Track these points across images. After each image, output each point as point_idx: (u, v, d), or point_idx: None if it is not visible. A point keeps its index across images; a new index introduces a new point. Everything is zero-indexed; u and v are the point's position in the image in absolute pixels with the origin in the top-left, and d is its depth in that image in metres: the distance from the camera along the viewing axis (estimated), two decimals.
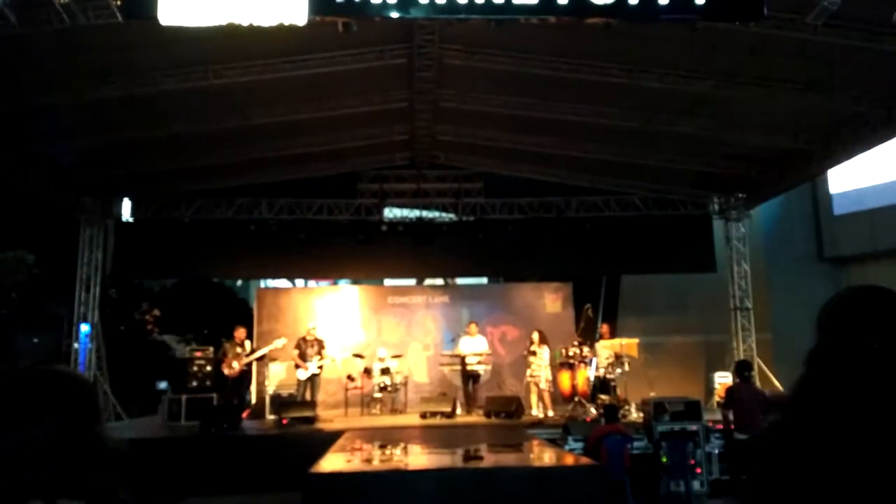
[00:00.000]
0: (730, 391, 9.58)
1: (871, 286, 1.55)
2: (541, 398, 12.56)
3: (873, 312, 1.47)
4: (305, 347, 12.89)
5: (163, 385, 13.26)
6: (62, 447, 1.33)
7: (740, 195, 14.95)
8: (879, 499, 1.28)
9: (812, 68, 9.58)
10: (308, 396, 12.72)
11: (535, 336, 12.87)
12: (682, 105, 11.14)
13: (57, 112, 10.36)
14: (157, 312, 20.51)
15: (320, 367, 12.88)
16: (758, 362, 14.07)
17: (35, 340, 15.18)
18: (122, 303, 18.72)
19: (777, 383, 13.55)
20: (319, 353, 12.90)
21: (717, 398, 13.18)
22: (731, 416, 9.27)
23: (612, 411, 9.84)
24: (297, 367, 12.91)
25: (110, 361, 14.15)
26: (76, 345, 13.75)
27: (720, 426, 9.85)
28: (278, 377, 13.65)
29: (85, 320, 13.95)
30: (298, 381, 12.92)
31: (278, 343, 13.08)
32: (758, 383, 12.33)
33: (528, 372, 12.71)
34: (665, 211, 15.37)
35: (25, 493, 1.28)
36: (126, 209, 14.84)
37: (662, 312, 16.20)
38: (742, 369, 9.80)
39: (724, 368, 14.48)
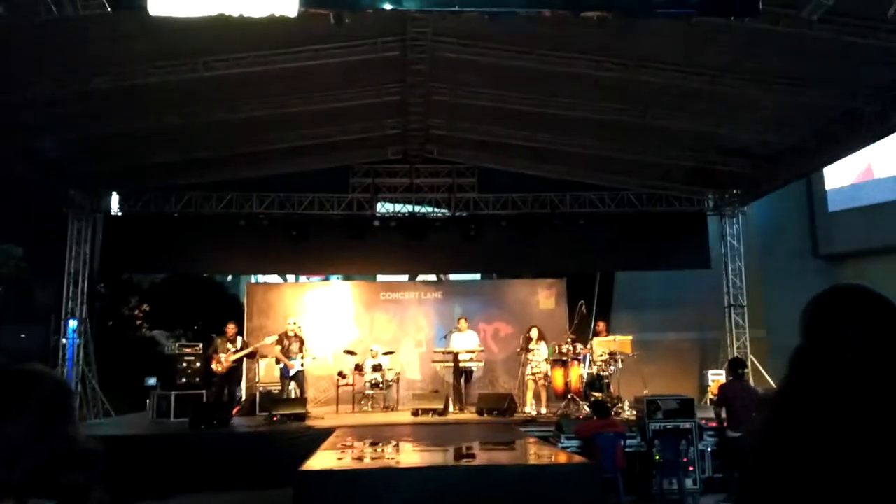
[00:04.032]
0: (723, 389, 9.56)
1: (851, 287, 1.52)
2: (538, 395, 12.52)
3: (849, 317, 1.45)
4: (288, 344, 12.72)
5: (151, 381, 13.11)
6: (34, 447, 1.31)
7: (735, 191, 14.91)
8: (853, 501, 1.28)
9: (807, 64, 9.52)
10: (292, 394, 12.58)
11: (534, 332, 12.80)
12: (677, 100, 11.07)
13: (44, 104, 10.20)
14: (146, 308, 20.37)
15: (302, 365, 12.71)
16: (752, 360, 14.05)
17: (22, 336, 15.04)
18: (110, 298, 18.58)
19: (771, 381, 13.53)
20: (301, 349, 12.73)
21: (710, 396, 13.15)
22: (723, 414, 9.24)
23: (601, 408, 9.79)
24: (279, 363, 12.77)
25: (98, 357, 14.02)
26: (64, 340, 13.62)
27: (713, 424, 9.82)
28: (269, 374, 13.54)
29: (73, 315, 13.81)
30: (281, 378, 12.77)
31: (268, 340, 12.96)
32: (752, 381, 12.31)
33: (529, 368, 12.63)
34: (659, 207, 15.32)
35: None
36: (115, 203, 14.70)
37: (656, 309, 16.16)
38: (735, 367, 9.77)
39: (717, 366, 14.48)
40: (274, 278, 20.43)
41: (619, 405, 11.92)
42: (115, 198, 14.69)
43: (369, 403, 13.26)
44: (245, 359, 13.02)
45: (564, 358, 12.75)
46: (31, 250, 16.82)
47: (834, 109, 10.62)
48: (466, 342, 13.22)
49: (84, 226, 14.32)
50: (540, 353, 12.65)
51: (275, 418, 11.52)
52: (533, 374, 12.59)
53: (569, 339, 12.99)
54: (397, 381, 13.57)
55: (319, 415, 12.34)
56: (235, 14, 6.98)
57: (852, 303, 1.48)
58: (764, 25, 8.36)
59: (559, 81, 10.79)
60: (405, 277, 17.56)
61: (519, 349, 13.03)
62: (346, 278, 18.04)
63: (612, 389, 12.48)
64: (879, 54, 8.70)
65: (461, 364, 12.99)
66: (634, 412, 10.85)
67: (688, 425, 9.53)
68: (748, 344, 14.75)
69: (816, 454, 1.31)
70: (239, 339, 12.84)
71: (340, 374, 13.38)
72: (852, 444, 1.30)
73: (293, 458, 6.96)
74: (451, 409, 12.69)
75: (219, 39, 9.22)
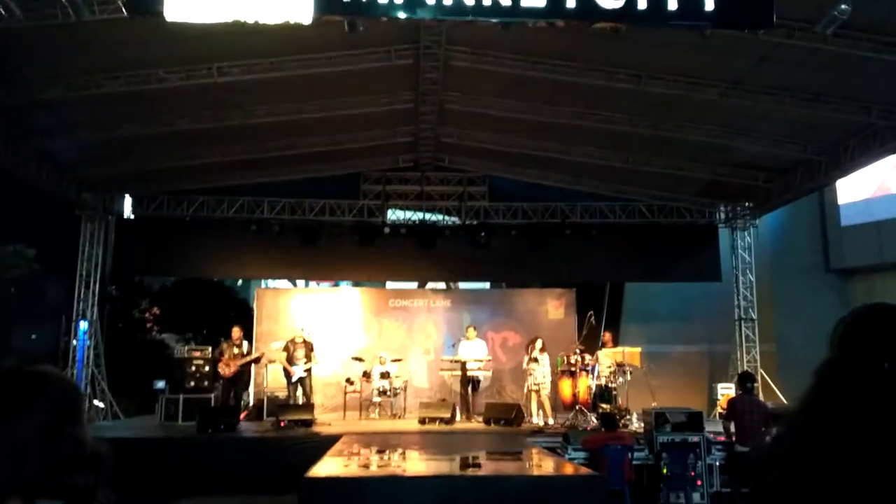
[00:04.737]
0: (731, 403, 9.48)
1: (884, 305, 1.50)
2: (541, 406, 12.45)
3: (884, 332, 1.43)
4: (293, 350, 12.64)
5: (160, 384, 13.14)
6: (42, 448, 1.31)
7: (747, 204, 14.85)
8: None
9: (821, 78, 9.50)
10: (298, 400, 12.54)
11: (538, 343, 12.73)
12: (689, 112, 11.06)
13: (60, 107, 10.30)
14: (156, 311, 20.45)
15: (307, 371, 12.65)
16: (761, 374, 13.95)
17: (33, 336, 15.10)
18: (121, 300, 18.65)
19: (781, 395, 13.41)
20: (308, 355, 12.67)
21: (719, 409, 13.06)
22: (732, 428, 9.17)
23: (609, 420, 9.73)
24: (285, 370, 12.72)
25: (108, 359, 14.06)
26: (74, 341, 13.67)
27: (721, 438, 9.75)
28: (276, 380, 13.54)
29: (84, 317, 13.87)
30: (287, 384, 12.73)
31: (274, 346, 12.96)
32: (761, 395, 12.21)
33: (531, 380, 12.57)
34: (670, 218, 15.27)
35: (4, 493, 1.26)
36: (127, 206, 14.79)
37: (666, 321, 16.08)
38: (744, 381, 9.69)
39: (727, 379, 14.37)
40: (284, 283, 20.47)
41: (628, 417, 11.86)
42: (127, 201, 14.78)
43: (376, 410, 13.24)
44: (252, 364, 13.01)
45: (573, 368, 12.70)
46: (43, 251, 16.95)
47: (847, 124, 10.56)
48: (474, 351, 13.18)
49: (96, 228, 14.40)
50: (542, 363, 12.56)
51: (282, 424, 11.50)
52: (536, 384, 12.52)
53: (577, 350, 12.94)
54: (405, 388, 13.54)
55: (326, 421, 12.31)
56: (251, 20, 7.02)
57: (886, 318, 1.46)
58: (778, 39, 8.35)
59: (571, 91, 10.79)
60: (414, 285, 17.56)
61: (527, 359, 12.99)
62: (356, 284, 18.07)
63: (620, 401, 12.42)
64: (894, 69, 8.67)
65: (469, 373, 12.96)
66: (642, 424, 10.79)
67: (696, 439, 9.46)
68: (758, 358, 14.65)
69: (851, 466, 1.26)
70: (245, 343, 12.82)
71: (348, 380, 13.37)
72: (888, 457, 1.25)
73: (299, 464, 6.94)
74: (458, 417, 12.65)
75: (233, 45, 9.29)
